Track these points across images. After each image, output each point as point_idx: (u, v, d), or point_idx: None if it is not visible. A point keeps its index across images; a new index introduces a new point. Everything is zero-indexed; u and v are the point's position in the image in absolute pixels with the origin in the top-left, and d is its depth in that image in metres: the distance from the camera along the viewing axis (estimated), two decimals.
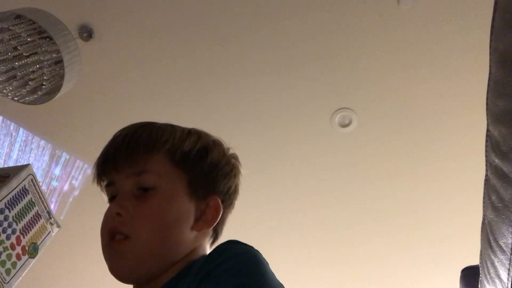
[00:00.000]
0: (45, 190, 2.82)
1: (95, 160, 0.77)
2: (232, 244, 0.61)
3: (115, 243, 0.67)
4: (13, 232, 0.80)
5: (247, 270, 0.55)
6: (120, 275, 0.66)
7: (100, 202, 3.08)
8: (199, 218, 0.71)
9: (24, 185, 0.85)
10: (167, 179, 0.70)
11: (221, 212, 0.74)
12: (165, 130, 0.75)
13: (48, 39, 1.62)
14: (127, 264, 0.66)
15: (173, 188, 0.70)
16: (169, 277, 0.67)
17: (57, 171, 2.77)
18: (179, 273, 0.67)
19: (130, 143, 0.72)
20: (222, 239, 0.78)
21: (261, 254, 0.60)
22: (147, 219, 0.66)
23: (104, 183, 0.74)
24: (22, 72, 1.60)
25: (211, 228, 0.74)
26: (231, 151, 0.79)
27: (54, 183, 2.81)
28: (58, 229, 0.95)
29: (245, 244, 0.61)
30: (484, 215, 0.81)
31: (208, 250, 0.75)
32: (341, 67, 2.27)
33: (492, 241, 0.76)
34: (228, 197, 0.77)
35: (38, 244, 0.85)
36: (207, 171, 0.73)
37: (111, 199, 0.72)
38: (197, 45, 2.26)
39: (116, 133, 0.76)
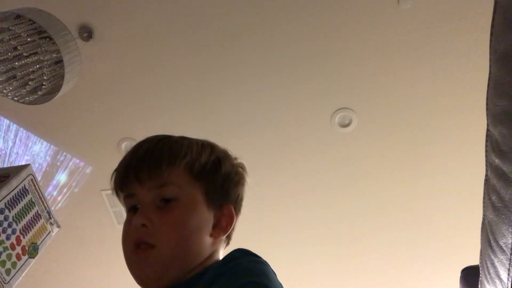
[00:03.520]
0: (45, 190, 2.82)
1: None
2: (243, 253, 0.67)
3: (141, 251, 0.70)
4: (13, 232, 0.80)
5: (255, 272, 0.61)
6: (146, 282, 0.70)
7: (99, 203, 3.08)
8: (216, 226, 0.76)
9: (24, 185, 0.85)
10: (187, 190, 0.74)
11: (235, 220, 0.80)
12: (183, 144, 0.79)
13: (48, 39, 1.62)
14: (154, 271, 0.69)
15: (193, 199, 0.74)
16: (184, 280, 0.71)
17: (57, 171, 2.77)
18: (193, 277, 0.71)
19: (153, 157, 0.75)
20: None
21: (269, 265, 0.65)
22: (171, 228, 0.70)
23: (123, 194, 0.77)
24: (22, 72, 1.60)
25: (226, 234, 0.79)
26: (238, 161, 0.84)
27: (54, 183, 2.81)
28: (58, 229, 0.95)
29: (255, 255, 0.67)
30: (484, 215, 0.81)
31: (222, 255, 0.79)
32: (341, 67, 2.27)
33: (492, 241, 0.76)
34: (237, 205, 0.83)
35: (38, 244, 0.85)
36: (221, 181, 0.78)
37: (130, 209, 0.76)
38: (197, 45, 2.25)
39: (135, 146, 0.79)
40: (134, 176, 0.74)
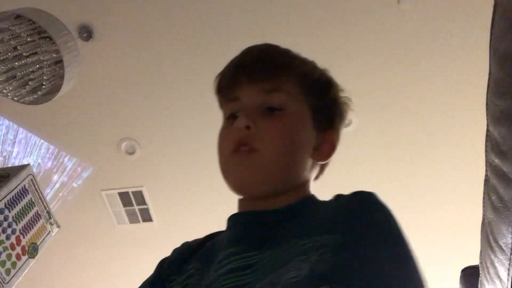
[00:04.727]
0: (45, 190, 2.82)
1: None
2: (374, 200, 0.60)
3: (242, 154, 0.65)
4: (13, 232, 0.80)
5: (398, 245, 0.56)
6: (242, 186, 0.66)
7: (99, 203, 3.07)
8: (317, 149, 0.71)
9: (24, 185, 0.85)
10: (296, 103, 0.68)
11: (336, 148, 0.74)
12: (297, 55, 0.74)
13: (48, 39, 1.62)
14: (253, 176, 0.65)
15: (301, 112, 0.69)
16: (284, 202, 0.66)
17: (57, 171, 2.77)
18: (296, 204, 0.66)
19: (268, 58, 0.71)
20: None
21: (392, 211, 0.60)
22: (276, 136, 0.65)
23: (227, 97, 0.73)
24: (22, 72, 1.60)
25: (325, 161, 0.74)
26: (345, 93, 0.77)
27: (54, 183, 2.81)
28: (58, 229, 0.95)
29: (384, 205, 0.60)
30: (484, 215, 0.81)
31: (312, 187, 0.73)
32: (341, 67, 2.27)
33: (492, 241, 0.76)
34: (338, 136, 0.77)
35: (38, 244, 0.85)
36: (329, 104, 0.73)
37: (229, 117, 0.71)
38: (196, 45, 2.25)
39: (248, 48, 0.75)
40: (245, 75, 0.69)
